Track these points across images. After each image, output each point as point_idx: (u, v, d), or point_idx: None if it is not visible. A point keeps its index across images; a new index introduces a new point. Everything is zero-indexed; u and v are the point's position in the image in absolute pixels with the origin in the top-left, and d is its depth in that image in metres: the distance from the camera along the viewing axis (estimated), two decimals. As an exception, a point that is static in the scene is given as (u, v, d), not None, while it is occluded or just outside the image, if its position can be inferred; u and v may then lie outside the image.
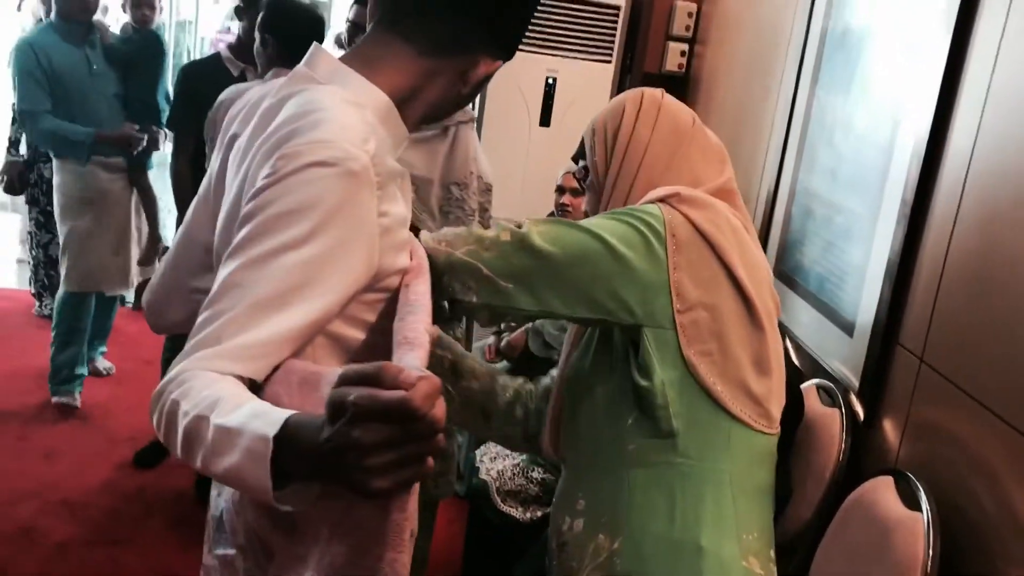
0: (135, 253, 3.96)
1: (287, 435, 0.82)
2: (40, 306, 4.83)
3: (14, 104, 3.80)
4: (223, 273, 1.02)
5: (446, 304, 1.34)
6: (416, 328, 1.02)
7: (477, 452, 2.91)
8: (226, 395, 0.92)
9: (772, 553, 1.44)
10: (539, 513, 2.64)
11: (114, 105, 3.79)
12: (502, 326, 3.55)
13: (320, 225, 1.00)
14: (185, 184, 3.28)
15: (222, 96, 2.88)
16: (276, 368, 1.02)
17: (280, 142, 1.04)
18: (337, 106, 1.07)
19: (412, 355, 0.96)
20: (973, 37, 1.85)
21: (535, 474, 2.68)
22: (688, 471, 1.34)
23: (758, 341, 1.35)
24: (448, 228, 1.38)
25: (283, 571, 1.08)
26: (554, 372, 1.62)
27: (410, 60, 1.15)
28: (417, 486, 0.86)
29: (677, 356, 1.31)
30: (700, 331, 1.31)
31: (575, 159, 1.59)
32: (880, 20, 2.31)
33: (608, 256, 1.29)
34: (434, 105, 1.19)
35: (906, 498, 1.75)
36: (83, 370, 3.95)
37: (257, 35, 2.88)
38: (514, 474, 2.69)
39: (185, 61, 5.48)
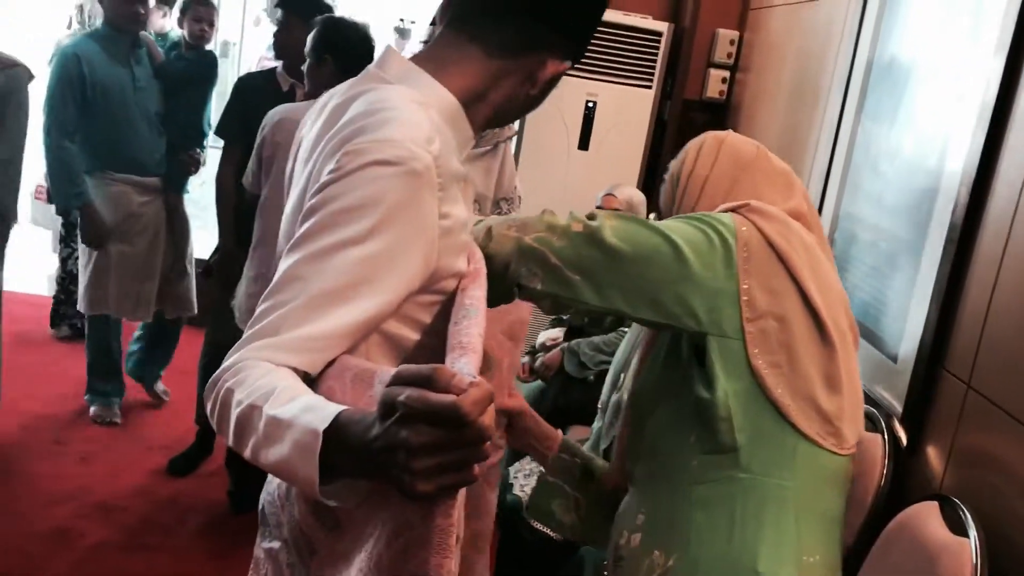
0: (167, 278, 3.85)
1: (337, 430, 0.82)
2: (56, 321, 4.74)
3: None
4: (284, 265, 1.04)
5: (516, 290, 1.32)
6: (470, 333, 1.02)
7: (511, 469, 2.90)
8: (280, 386, 0.92)
9: None
10: (573, 531, 2.63)
11: (154, 124, 3.67)
12: (536, 345, 3.56)
13: (382, 222, 1.01)
14: (229, 192, 3.31)
15: (271, 115, 2.91)
16: (331, 363, 1.03)
17: (346, 139, 1.05)
18: (404, 106, 1.08)
19: (464, 360, 0.95)
20: (1027, 63, 1.85)
21: (570, 492, 2.67)
22: (750, 486, 1.31)
23: (828, 358, 1.32)
24: (518, 213, 1.38)
25: (324, 567, 1.08)
26: None
27: (478, 61, 1.16)
28: (463, 492, 0.86)
29: (744, 366, 1.29)
30: (769, 341, 1.29)
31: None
32: (928, 49, 2.32)
33: (677, 260, 1.28)
34: (501, 107, 1.20)
35: (952, 524, 1.73)
36: (119, 386, 3.90)
37: (311, 55, 2.89)
38: (548, 491, 2.68)
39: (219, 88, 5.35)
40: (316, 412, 0.85)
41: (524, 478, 2.80)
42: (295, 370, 0.99)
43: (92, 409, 3.84)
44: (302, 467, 0.84)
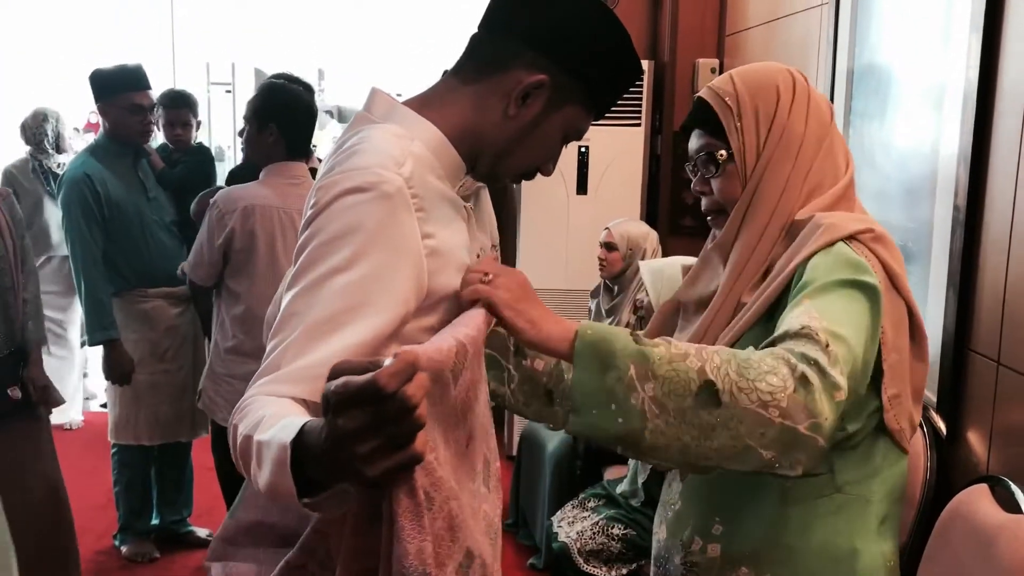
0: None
1: (302, 439, 0.84)
2: None
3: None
4: (283, 304, 1.08)
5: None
6: (443, 334, 1.03)
7: (553, 519, 2.87)
8: (270, 413, 0.96)
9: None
10: (624, 571, 2.59)
11: (173, 232, 3.53)
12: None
13: (363, 247, 1.05)
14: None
15: (225, 203, 2.82)
16: None
17: (322, 177, 1.12)
18: (380, 138, 1.12)
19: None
20: (1004, 35, 1.87)
21: (615, 531, 2.64)
22: (844, 503, 1.34)
23: (919, 371, 1.35)
24: (770, 380, 1.09)
25: None
26: None
27: (458, 92, 1.20)
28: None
29: (876, 401, 1.30)
30: (896, 374, 1.30)
31: (686, 128, 1.47)
32: (906, 42, 2.34)
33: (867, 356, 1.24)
34: (488, 133, 1.20)
35: (1004, 503, 1.71)
36: (155, 521, 3.71)
37: (252, 121, 2.81)
38: (594, 533, 2.65)
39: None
40: (289, 428, 0.87)
41: (568, 526, 2.77)
42: (302, 401, 1.02)
43: (125, 549, 3.59)
44: (283, 482, 0.86)
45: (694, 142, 1.46)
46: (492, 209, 2.69)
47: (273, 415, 0.95)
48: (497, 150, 1.22)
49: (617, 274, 3.36)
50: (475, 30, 1.24)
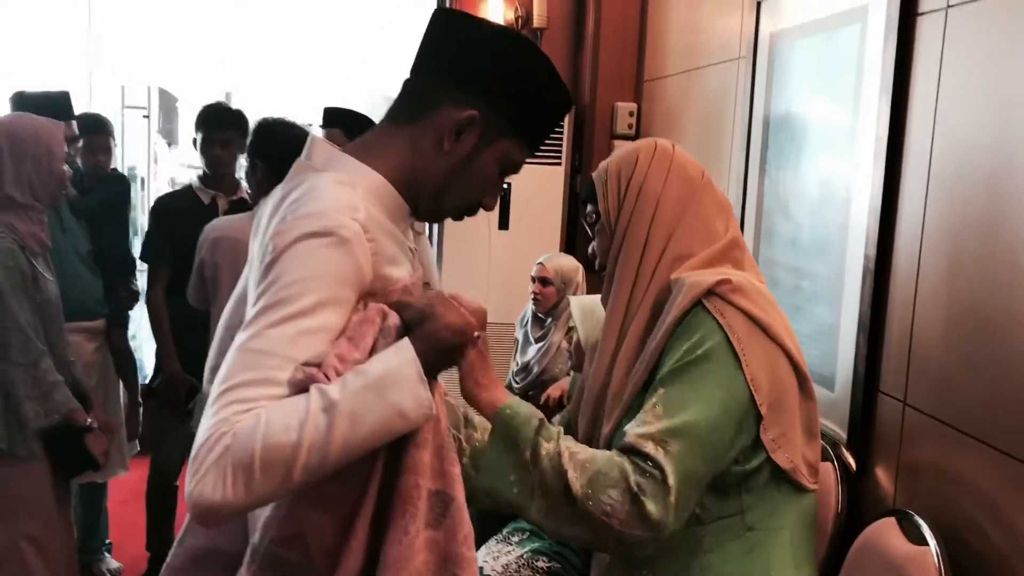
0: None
1: (414, 343, 1.08)
2: None
3: None
4: (238, 343, 1.07)
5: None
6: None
7: (478, 554, 2.89)
8: (319, 387, 1.03)
9: None
10: (548, 603, 2.63)
11: (88, 263, 3.40)
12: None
13: (324, 293, 1.08)
14: (161, 314, 3.28)
15: (207, 232, 2.89)
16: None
17: (277, 225, 1.13)
18: (328, 185, 1.16)
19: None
20: (911, 98, 2.01)
21: (540, 563, 2.68)
22: (756, 540, 1.41)
23: (808, 409, 1.43)
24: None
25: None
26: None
27: (395, 136, 1.24)
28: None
29: (760, 444, 1.38)
30: (777, 416, 1.38)
31: (583, 202, 1.62)
32: (818, 98, 2.49)
33: (725, 419, 1.35)
34: (425, 172, 1.23)
35: (911, 535, 1.81)
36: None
37: (247, 159, 2.89)
38: (519, 567, 2.68)
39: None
40: (387, 357, 1.07)
41: (493, 560, 2.79)
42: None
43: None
44: (413, 396, 1.04)
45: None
46: (432, 255, 2.74)
47: (325, 386, 1.03)
48: (436, 187, 1.25)
49: (551, 307, 3.49)
50: (407, 75, 1.28)
